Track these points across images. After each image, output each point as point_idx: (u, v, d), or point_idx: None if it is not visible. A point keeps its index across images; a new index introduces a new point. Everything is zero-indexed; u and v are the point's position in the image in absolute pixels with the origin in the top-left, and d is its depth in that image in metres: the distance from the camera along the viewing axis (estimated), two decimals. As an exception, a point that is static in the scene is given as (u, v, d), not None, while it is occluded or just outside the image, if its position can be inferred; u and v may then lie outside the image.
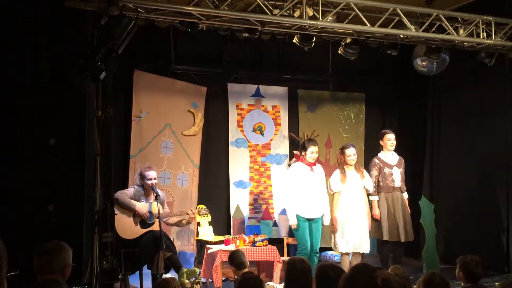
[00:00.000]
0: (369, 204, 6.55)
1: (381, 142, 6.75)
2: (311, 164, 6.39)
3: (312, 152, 6.35)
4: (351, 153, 6.42)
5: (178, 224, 6.37)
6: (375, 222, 6.51)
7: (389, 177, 6.54)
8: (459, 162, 7.97)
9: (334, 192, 6.42)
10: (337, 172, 6.45)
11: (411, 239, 6.59)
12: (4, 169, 4.83)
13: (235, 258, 4.93)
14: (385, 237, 6.41)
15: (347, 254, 6.36)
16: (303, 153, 6.40)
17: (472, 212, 7.64)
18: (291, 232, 6.98)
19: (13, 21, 5.06)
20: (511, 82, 7.23)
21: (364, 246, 6.35)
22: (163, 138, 7.69)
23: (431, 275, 3.33)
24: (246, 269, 4.85)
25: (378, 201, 6.54)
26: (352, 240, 6.28)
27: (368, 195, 6.57)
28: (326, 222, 6.42)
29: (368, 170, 6.65)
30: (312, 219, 6.32)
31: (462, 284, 3.90)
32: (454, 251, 7.51)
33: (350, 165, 6.44)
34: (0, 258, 1.77)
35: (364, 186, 6.50)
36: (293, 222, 6.24)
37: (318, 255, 6.44)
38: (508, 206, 7.16)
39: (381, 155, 6.69)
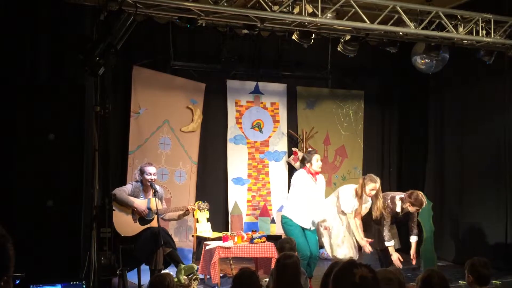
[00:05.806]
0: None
1: None
2: (315, 174, 6.12)
3: (317, 160, 6.07)
4: (373, 187, 6.03)
5: (178, 217, 6.37)
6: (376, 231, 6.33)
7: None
8: (460, 160, 7.98)
9: (347, 212, 6.16)
10: (349, 192, 6.19)
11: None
12: (2, 164, 4.82)
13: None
14: (397, 245, 6.22)
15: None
16: (307, 165, 6.10)
17: (471, 210, 7.65)
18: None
19: (12, 16, 5.04)
20: (510, 80, 7.24)
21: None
22: (161, 134, 7.68)
23: (430, 273, 3.32)
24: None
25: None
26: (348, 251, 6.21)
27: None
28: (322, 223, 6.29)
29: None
30: (308, 229, 6.12)
31: (465, 283, 3.88)
32: (453, 249, 7.57)
33: (368, 196, 6.12)
34: (9, 257, 1.76)
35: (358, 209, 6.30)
36: (309, 226, 6.03)
37: (318, 259, 6.22)
38: (506, 203, 7.17)
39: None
